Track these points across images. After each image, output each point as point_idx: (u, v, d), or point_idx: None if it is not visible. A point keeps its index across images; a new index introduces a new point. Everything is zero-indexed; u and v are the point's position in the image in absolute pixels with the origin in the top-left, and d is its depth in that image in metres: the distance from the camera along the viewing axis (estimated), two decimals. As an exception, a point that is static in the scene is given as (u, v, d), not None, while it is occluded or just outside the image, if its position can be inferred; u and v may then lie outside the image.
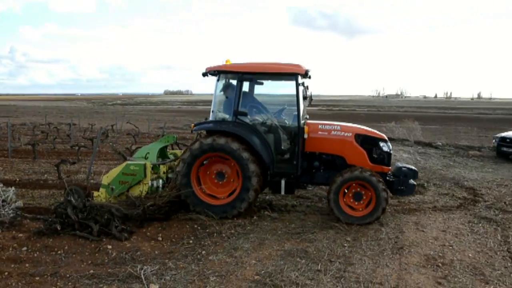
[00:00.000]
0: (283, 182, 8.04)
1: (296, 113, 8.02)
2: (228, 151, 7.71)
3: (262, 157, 7.85)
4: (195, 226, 7.31)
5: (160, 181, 8.39)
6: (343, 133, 8.20)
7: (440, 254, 6.40)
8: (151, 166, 8.25)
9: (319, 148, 8.24)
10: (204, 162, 8.08)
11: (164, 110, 66.86)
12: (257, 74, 8.26)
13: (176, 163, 8.56)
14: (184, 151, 8.25)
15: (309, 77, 8.53)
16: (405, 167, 8.36)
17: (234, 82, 8.40)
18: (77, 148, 14.25)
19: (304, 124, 8.06)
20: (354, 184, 7.74)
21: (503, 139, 18.29)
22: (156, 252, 6.20)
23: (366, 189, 7.73)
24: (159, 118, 43.03)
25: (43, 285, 5.08)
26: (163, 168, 8.70)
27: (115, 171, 8.17)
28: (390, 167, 8.36)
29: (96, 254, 6.00)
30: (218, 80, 8.41)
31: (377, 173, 7.76)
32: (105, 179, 8.15)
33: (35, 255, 5.96)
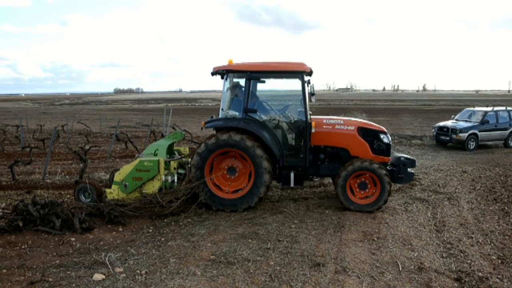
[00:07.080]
0: (292, 174, 8.46)
1: (302, 109, 8.40)
2: (243, 148, 8.03)
3: (273, 152, 8.21)
4: (153, 217, 7.71)
5: (174, 176, 8.56)
6: (346, 127, 8.71)
7: (376, 230, 7.20)
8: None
9: (324, 142, 8.72)
10: (215, 159, 8.32)
11: (115, 109, 65.62)
12: (264, 73, 8.52)
13: (188, 159, 8.75)
14: (198, 146, 8.45)
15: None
16: (403, 156, 8.94)
17: (237, 80, 8.73)
18: (29, 149, 14.20)
19: (310, 119, 8.46)
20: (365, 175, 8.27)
21: (441, 128, 19.72)
22: (118, 241, 6.59)
23: (373, 180, 8.28)
24: (110, 117, 42.33)
25: (11, 276, 5.30)
26: (173, 164, 8.87)
27: (128, 167, 8.30)
28: (390, 157, 8.93)
29: (61, 247, 6.30)
30: (226, 79, 8.63)
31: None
32: (117, 176, 8.27)
33: (-1, 251, 6.13)
